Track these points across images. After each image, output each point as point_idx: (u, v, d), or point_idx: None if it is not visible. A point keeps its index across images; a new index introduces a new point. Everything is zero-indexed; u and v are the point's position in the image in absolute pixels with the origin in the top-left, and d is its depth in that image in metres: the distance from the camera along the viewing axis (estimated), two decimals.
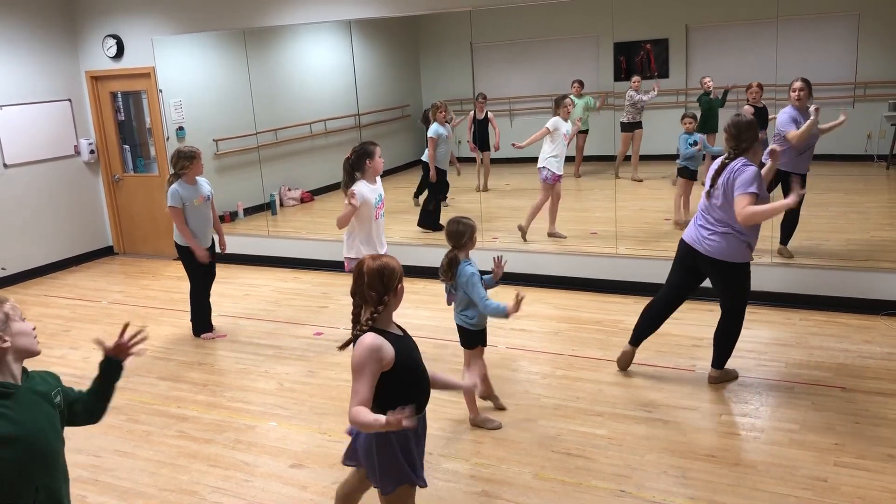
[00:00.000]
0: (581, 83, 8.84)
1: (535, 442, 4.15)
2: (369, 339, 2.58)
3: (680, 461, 3.87)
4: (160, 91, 8.34)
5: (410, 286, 6.33)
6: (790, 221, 6.29)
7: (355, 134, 8.40)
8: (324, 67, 9.40)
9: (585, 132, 9.03)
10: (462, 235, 4.05)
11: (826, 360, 4.91)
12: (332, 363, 5.41)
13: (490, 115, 8.55)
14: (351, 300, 2.76)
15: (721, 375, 4.72)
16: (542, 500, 3.63)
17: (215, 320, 6.34)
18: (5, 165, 8.04)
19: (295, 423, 4.58)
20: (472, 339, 4.23)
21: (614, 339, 5.49)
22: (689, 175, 7.44)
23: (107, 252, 9.22)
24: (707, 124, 7.75)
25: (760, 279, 6.02)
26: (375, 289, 2.63)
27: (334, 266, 7.25)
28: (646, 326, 4.93)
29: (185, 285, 7.71)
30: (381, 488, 2.76)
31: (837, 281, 5.78)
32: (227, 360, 5.68)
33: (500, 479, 3.82)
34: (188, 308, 6.25)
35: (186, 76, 8.55)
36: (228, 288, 7.38)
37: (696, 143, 7.27)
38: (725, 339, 4.67)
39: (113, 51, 8.47)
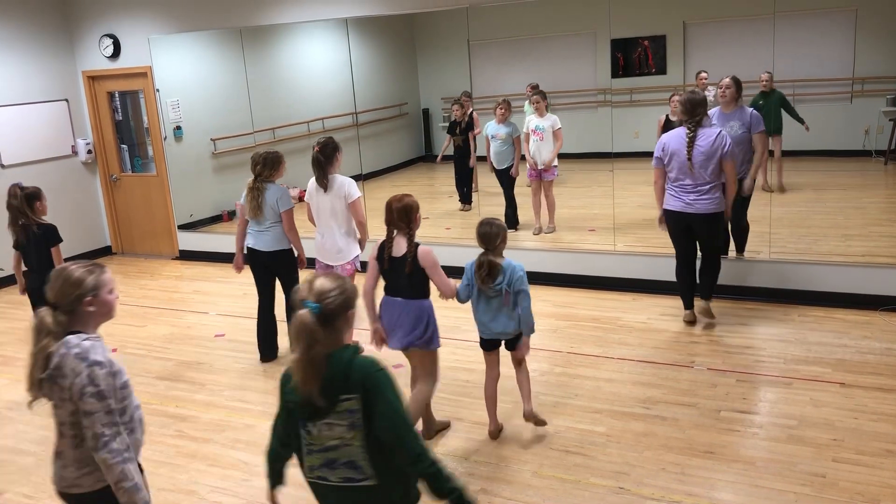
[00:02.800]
0: (534, 87, 8.60)
1: (534, 439, 4.15)
2: (427, 248, 3.86)
3: (678, 458, 3.87)
4: (157, 90, 8.33)
5: None
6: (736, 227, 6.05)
7: (353, 132, 8.39)
8: (321, 66, 9.39)
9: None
10: (495, 238, 3.91)
11: (825, 356, 4.91)
12: None
13: (475, 114, 8.49)
14: None
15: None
16: (540, 497, 3.63)
17: (214, 319, 6.34)
18: (3, 166, 8.03)
19: None
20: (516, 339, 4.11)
21: (612, 336, 5.50)
22: None
23: (105, 252, 9.21)
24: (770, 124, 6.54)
25: (759, 275, 6.04)
26: (403, 220, 3.83)
27: None
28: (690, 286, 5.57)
29: (184, 285, 7.76)
30: (435, 343, 3.99)
31: (835, 276, 5.78)
32: (226, 360, 5.68)
33: (499, 477, 3.82)
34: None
35: (183, 75, 8.53)
36: (227, 287, 7.38)
37: None
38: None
39: (109, 50, 8.46)
